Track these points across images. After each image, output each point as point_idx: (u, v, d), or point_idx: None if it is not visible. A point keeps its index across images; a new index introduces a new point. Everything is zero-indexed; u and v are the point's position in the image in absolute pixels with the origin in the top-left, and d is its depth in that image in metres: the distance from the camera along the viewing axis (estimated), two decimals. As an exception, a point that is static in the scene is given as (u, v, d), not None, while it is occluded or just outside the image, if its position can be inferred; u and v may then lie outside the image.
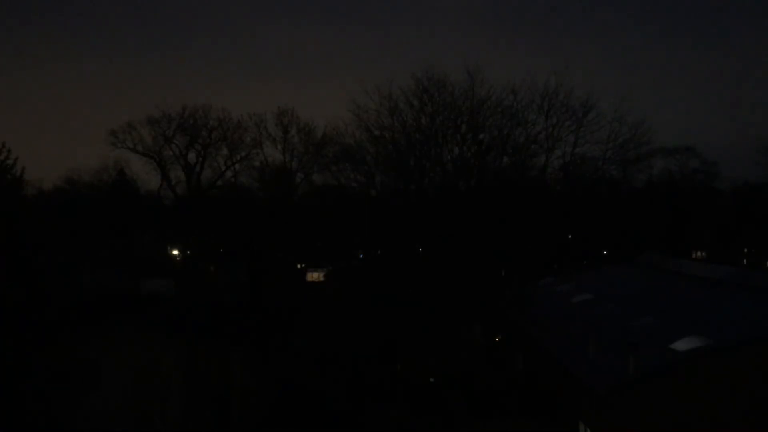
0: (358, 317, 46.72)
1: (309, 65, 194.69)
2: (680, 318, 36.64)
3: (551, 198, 62.40)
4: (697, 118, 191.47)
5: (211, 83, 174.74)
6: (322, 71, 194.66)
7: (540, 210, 52.72)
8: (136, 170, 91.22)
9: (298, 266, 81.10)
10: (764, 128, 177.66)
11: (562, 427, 36.54)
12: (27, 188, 65.84)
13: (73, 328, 51.14)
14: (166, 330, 57.79)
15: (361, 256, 63.38)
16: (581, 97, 64.66)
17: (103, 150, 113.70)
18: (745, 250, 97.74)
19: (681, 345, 31.88)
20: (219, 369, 48.01)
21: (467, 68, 54.87)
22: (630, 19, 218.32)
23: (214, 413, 41.43)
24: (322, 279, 73.16)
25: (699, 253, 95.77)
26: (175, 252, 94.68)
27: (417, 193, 52.76)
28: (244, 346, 52.88)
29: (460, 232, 44.85)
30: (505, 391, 41.22)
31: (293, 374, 46.04)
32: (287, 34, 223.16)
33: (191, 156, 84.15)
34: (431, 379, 44.78)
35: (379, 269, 51.94)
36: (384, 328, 44.77)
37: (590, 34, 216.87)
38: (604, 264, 64.08)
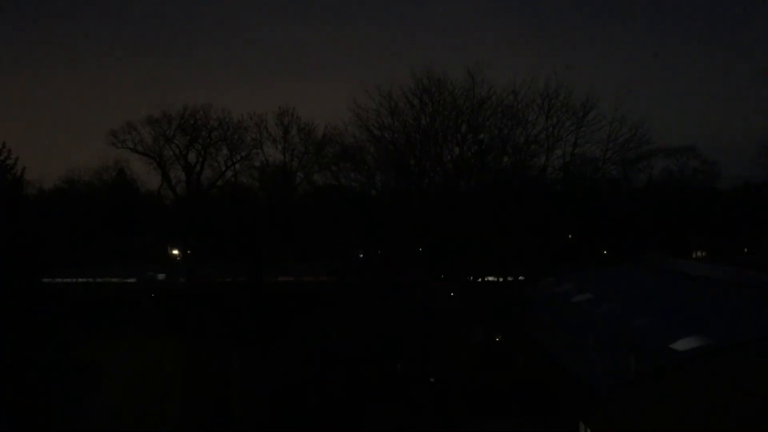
0: (358, 317, 46.72)
1: (309, 65, 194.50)
2: (680, 318, 36.60)
3: (551, 198, 62.37)
4: (697, 118, 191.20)
5: (211, 83, 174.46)
6: (322, 71, 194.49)
7: (540, 210, 52.72)
8: (136, 170, 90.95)
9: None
10: (764, 128, 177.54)
11: (562, 427, 36.53)
12: (27, 188, 65.84)
13: (74, 328, 51.11)
14: (166, 329, 57.83)
15: (362, 255, 63.39)
16: (581, 97, 64.82)
17: (103, 150, 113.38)
18: (745, 250, 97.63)
19: (681, 345, 31.85)
20: (219, 369, 48.01)
21: (467, 68, 54.75)
22: (630, 20, 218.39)
23: (214, 413, 41.44)
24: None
25: (699, 253, 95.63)
26: (176, 252, 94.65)
27: (417, 192, 52.78)
28: (244, 345, 52.86)
29: (460, 233, 44.86)
30: (505, 391, 41.24)
31: (293, 374, 46.04)
32: (287, 34, 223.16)
33: (191, 156, 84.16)
34: (431, 379, 44.78)
35: (379, 269, 51.96)
36: (384, 328, 44.81)
37: (590, 34, 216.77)
38: (604, 264, 63.95)
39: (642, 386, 30.06)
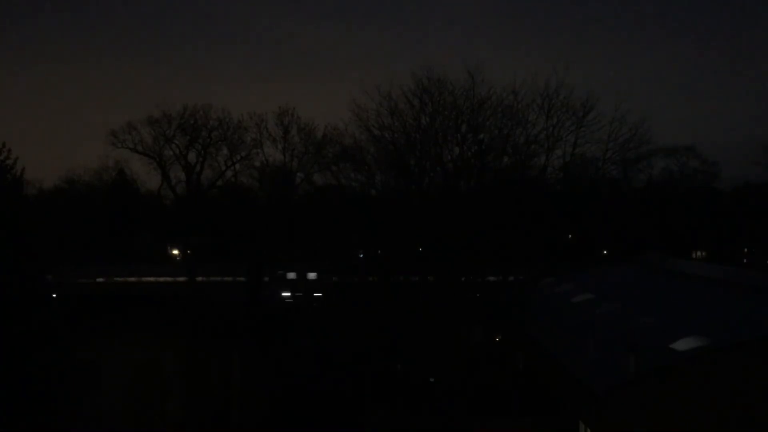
0: (358, 317, 46.72)
1: (309, 65, 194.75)
2: (680, 318, 36.61)
3: (551, 198, 62.40)
4: (697, 118, 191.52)
5: (211, 83, 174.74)
6: (322, 71, 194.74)
7: (540, 210, 52.70)
8: (136, 170, 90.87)
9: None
10: (764, 128, 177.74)
11: (562, 427, 36.53)
12: (27, 188, 65.81)
13: (73, 328, 51.10)
14: (166, 329, 57.84)
15: (362, 256, 63.39)
16: (581, 97, 64.95)
17: (103, 150, 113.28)
18: (745, 250, 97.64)
19: (681, 345, 31.87)
20: (219, 369, 48.05)
21: (467, 68, 54.82)
22: (630, 19, 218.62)
23: (214, 413, 41.45)
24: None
25: (699, 253, 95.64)
26: (176, 252, 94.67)
27: (417, 192, 52.74)
28: (244, 345, 52.92)
29: (460, 233, 44.83)
30: (505, 391, 41.23)
31: (293, 374, 46.06)
32: (287, 34, 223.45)
33: (191, 156, 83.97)
34: (431, 379, 44.76)
35: (379, 269, 51.93)
36: (384, 329, 44.76)
37: (590, 34, 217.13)
38: (604, 264, 63.98)
39: (642, 386, 30.07)
